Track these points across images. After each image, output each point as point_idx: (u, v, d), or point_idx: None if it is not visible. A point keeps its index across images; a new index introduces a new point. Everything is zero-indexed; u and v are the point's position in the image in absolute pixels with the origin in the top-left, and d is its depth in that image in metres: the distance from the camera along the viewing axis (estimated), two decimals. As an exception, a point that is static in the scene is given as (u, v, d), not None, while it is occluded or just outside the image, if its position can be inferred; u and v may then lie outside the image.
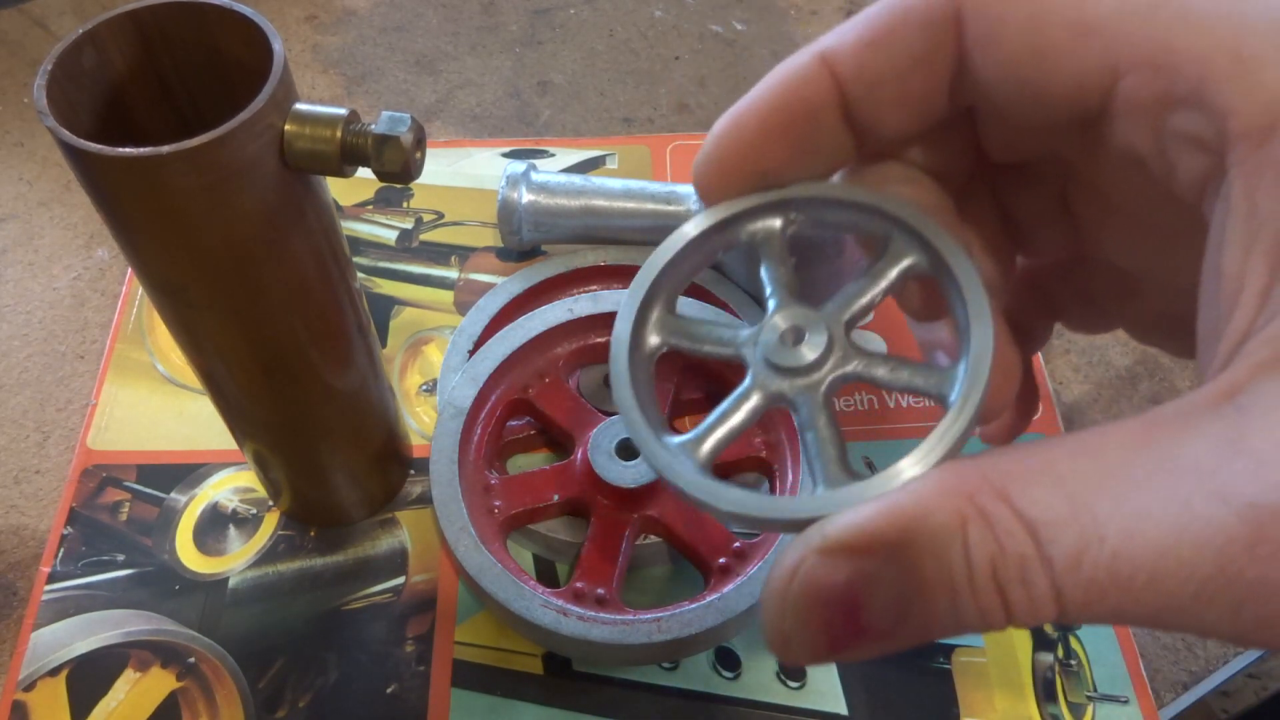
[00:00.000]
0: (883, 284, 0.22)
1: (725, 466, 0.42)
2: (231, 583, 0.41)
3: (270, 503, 0.43)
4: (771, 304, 0.22)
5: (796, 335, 0.21)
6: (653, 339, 0.23)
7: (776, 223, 0.23)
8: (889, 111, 0.21)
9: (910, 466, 0.18)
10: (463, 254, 0.51)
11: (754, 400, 0.21)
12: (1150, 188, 0.20)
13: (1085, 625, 0.16)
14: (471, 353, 0.44)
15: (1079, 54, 0.18)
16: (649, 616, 0.37)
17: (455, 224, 0.52)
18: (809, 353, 0.20)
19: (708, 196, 0.23)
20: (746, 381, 0.21)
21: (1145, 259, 0.23)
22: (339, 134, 0.28)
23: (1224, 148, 0.17)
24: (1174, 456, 0.15)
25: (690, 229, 0.23)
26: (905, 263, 0.22)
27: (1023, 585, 0.16)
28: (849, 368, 0.21)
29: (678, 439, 0.21)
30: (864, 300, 0.22)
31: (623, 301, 0.23)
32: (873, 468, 0.41)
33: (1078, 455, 0.16)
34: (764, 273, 0.22)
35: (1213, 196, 0.17)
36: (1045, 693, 0.38)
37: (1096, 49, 0.18)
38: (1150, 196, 0.21)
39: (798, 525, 0.18)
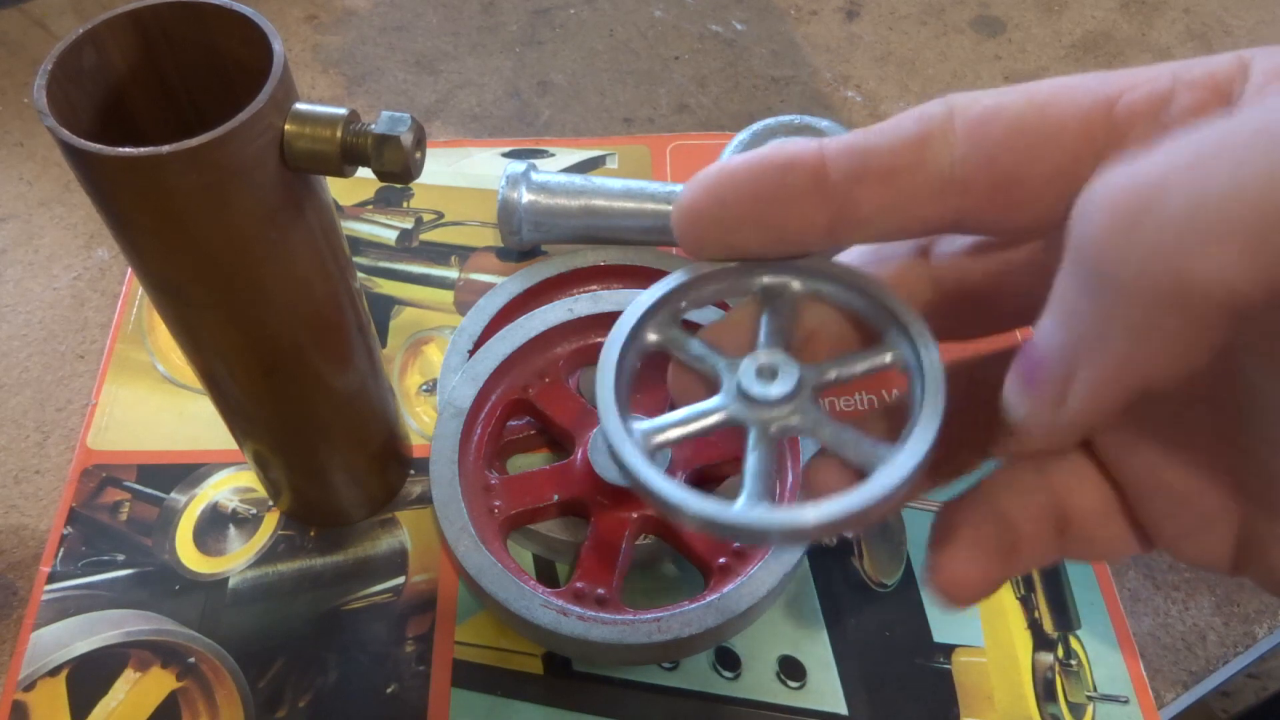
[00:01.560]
0: (866, 366, 0.24)
1: (718, 467, 0.42)
2: (231, 583, 0.41)
3: (270, 503, 0.43)
4: (760, 343, 0.24)
5: (771, 373, 0.23)
6: (651, 335, 0.25)
7: (797, 284, 0.24)
8: (869, 186, 0.22)
9: (811, 510, 0.21)
10: (463, 254, 0.51)
11: (716, 416, 0.23)
12: None
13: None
14: (471, 353, 0.44)
15: (1073, 99, 0.21)
16: (649, 616, 0.37)
17: (455, 224, 0.52)
18: (774, 391, 0.23)
19: (689, 232, 0.24)
20: (718, 399, 0.23)
21: None
22: (339, 134, 0.28)
23: (1222, 101, 0.19)
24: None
25: (697, 269, 0.25)
26: (890, 356, 0.23)
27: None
28: (795, 421, 0.23)
29: (640, 424, 0.24)
30: (845, 372, 0.24)
31: (642, 295, 0.25)
32: None
33: None
34: (766, 322, 0.24)
35: None
36: (1045, 693, 0.38)
37: (1082, 93, 0.21)
38: None
39: (717, 526, 0.21)
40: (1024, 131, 0.22)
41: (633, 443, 0.23)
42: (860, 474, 0.23)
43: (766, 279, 0.24)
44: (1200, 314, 0.16)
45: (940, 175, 0.22)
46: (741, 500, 0.22)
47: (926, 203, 0.22)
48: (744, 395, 0.23)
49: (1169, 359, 0.18)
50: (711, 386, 0.24)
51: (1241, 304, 0.16)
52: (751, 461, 0.23)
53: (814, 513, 0.21)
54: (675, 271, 0.25)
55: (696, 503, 0.22)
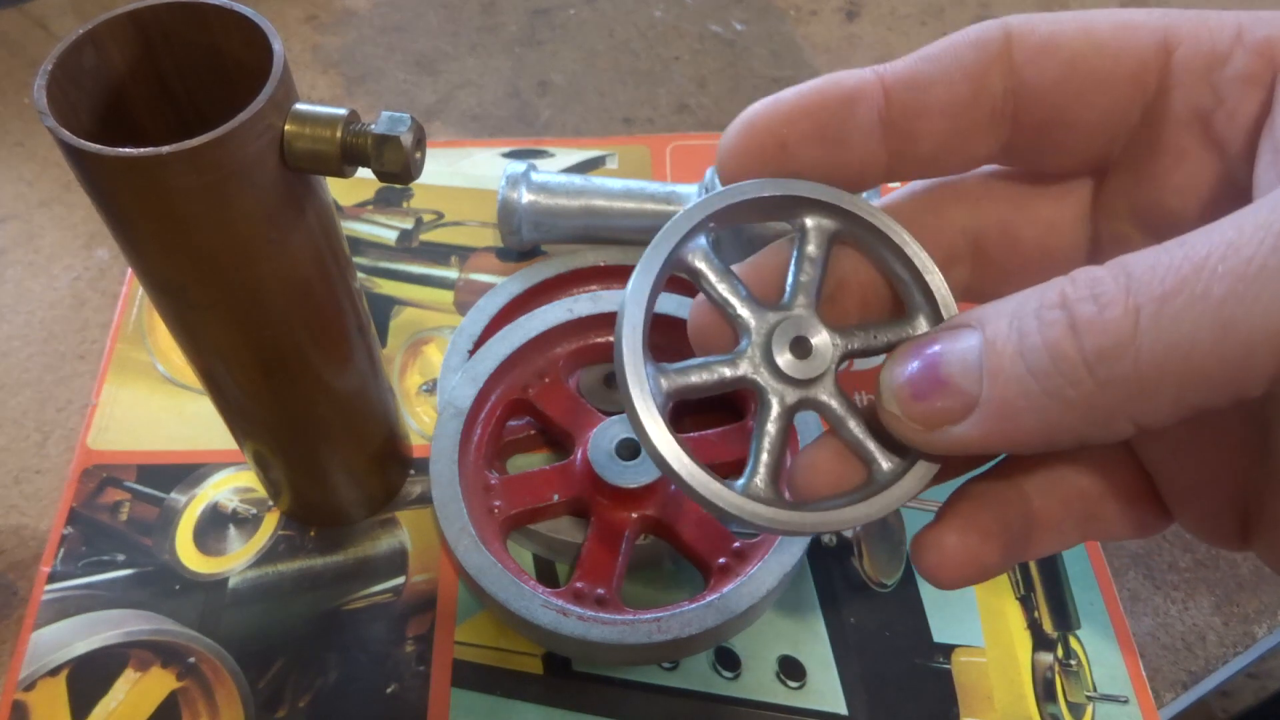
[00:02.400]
0: (891, 338, 0.23)
1: (722, 467, 0.42)
2: (231, 583, 0.41)
3: (270, 503, 0.43)
4: (789, 294, 0.23)
5: (803, 349, 0.22)
6: (690, 256, 0.23)
7: (830, 224, 0.23)
8: (931, 121, 0.21)
9: (814, 516, 0.21)
10: (463, 254, 0.51)
11: (739, 371, 0.22)
12: (1209, 173, 0.21)
13: (1153, 346, 0.17)
14: (471, 353, 0.44)
15: (1131, 43, 0.21)
16: (649, 616, 0.37)
17: (455, 224, 0.52)
18: (804, 369, 0.22)
19: (727, 163, 0.23)
20: (744, 361, 0.22)
21: None
22: (339, 134, 0.28)
23: (1274, 73, 0.19)
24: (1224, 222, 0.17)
25: (749, 188, 0.23)
26: (911, 333, 0.23)
27: (1093, 300, 0.17)
28: (821, 399, 0.22)
29: (662, 365, 0.22)
30: (873, 344, 0.23)
31: (688, 208, 0.22)
32: None
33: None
34: (795, 269, 0.23)
35: (1262, 149, 0.19)
36: (1045, 693, 0.38)
37: (1145, 35, 0.20)
38: (1209, 184, 0.21)
39: (715, 510, 0.21)
40: (1078, 72, 0.21)
41: (648, 384, 0.21)
42: (863, 465, 0.22)
43: (809, 220, 0.23)
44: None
45: (994, 108, 0.22)
46: (750, 481, 0.22)
47: (982, 136, 0.22)
48: (770, 363, 0.22)
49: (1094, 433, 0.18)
50: (731, 335, 0.23)
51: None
52: (768, 436, 0.22)
53: (815, 518, 0.21)
54: (719, 191, 0.23)
55: (700, 477, 0.21)
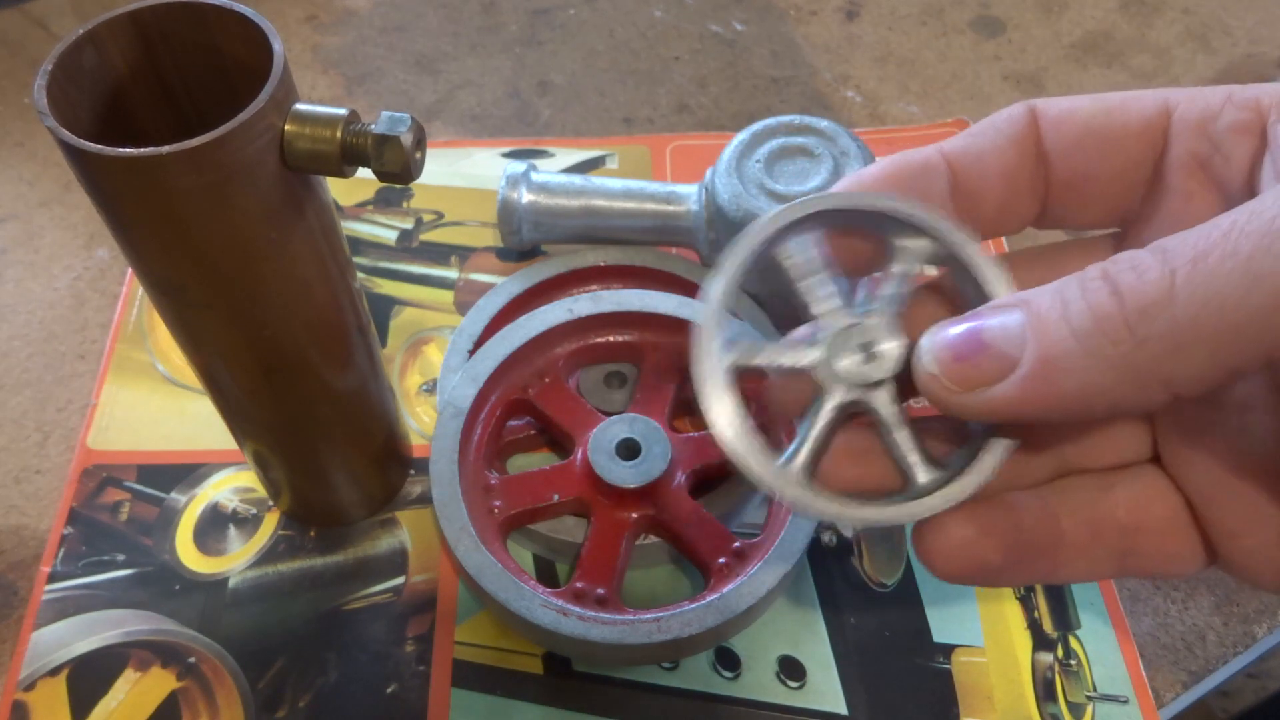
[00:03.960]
0: None
1: (722, 466, 0.42)
2: (231, 583, 0.41)
3: (270, 503, 0.43)
4: (871, 304, 0.24)
5: (872, 353, 0.23)
6: (785, 248, 0.24)
7: (924, 247, 0.24)
8: (990, 184, 0.25)
9: (857, 511, 0.22)
10: (463, 254, 0.51)
11: (806, 359, 0.23)
12: (1215, 212, 0.23)
13: (1195, 311, 0.18)
14: (471, 353, 0.44)
15: (1137, 108, 0.24)
16: (649, 616, 0.37)
17: (455, 224, 0.52)
18: (869, 372, 0.23)
19: None
20: (815, 350, 0.23)
21: None
22: (339, 134, 0.28)
23: (1263, 122, 0.21)
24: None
25: (869, 198, 0.24)
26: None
27: (1133, 270, 0.18)
28: (875, 406, 0.23)
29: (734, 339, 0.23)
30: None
31: (729, 257, 0.24)
32: None
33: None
34: (886, 285, 0.24)
35: (1263, 168, 0.22)
36: (1045, 693, 0.38)
37: (1147, 101, 0.24)
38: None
39: (766, 486, 0.22)
40: (1092, 134, 0.24)
41: (719, 353, 0.22)
42: (899, 474, 0.23)
43: (904, 241, 0.24)
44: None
45: (1033, 171, 0.25)
46: (788, 465, 0.23)
47: (1027, 197, 0.25)
48: (836, 360, 0.23)
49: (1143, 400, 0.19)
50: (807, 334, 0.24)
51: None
52: (816, 428, 0.23)
53: (859, 513, 0.22)
54: (815, 196, 0.24)
55: (754, 455, 0.22)
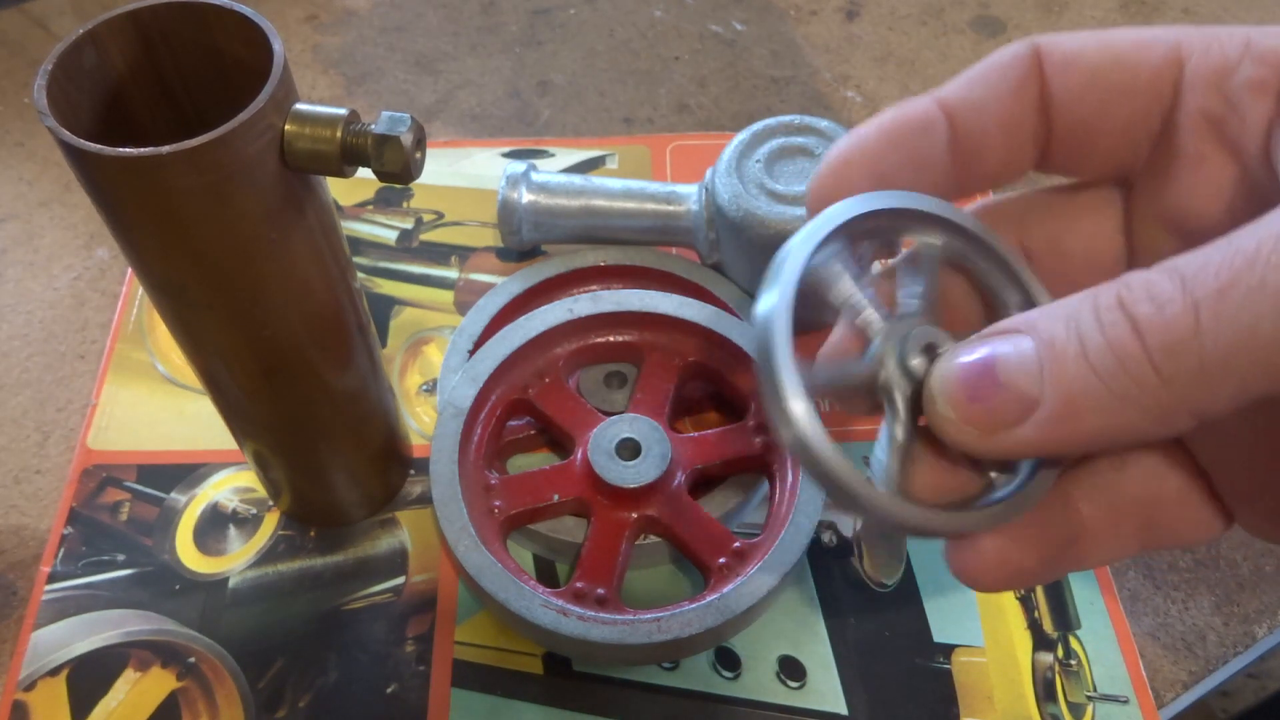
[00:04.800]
0: None
1: (722, 466, 0.42)
2: (231, 583, 0.41)
3: (270, 503, 0.43)
4: (905, 305, 0.24)
5: (932, 350, 0.22)
6: (826, 260, 0.24)
7: (938, 240, 0.24)
8: (991, 137, 0.23)
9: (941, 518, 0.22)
10: (463, 254, 0.51)
11: (870, 372, 0.23)
12: (1228, 176, 0.22)
13: (1220, 348, 0.17)
14: (471, 353, 0.44)
15: (1147, 55, 0.22)
16: (649, 616, 0.37)
17: (455, 224, 0.52)
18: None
19: (821, 196, 0.24)
20: (870, 358, 0.23)
21: None
22: (339, 134, 0.28)
23: None
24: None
25: (888, 198, 0.23)
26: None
27: (1151, 301, 0.17)
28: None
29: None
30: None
31: (823, 216, 0.23)
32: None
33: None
34: (914, 284, 0.24)
35: (1277, 138, 0.20)
36: (1045, 693, 0.38)
37: (1160, 49, 0.22)
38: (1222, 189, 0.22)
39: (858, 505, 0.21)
40: (1099, 83, 0.23)
41: (799, 380, 0.21)
42: (978, 475, 0.23)
43: (930, 237, 0.24)
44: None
45: (1035, 120, 0.23)
46: (881, 479, 0.22)
47: (1029, 148, 0.24)
48: (904, 367, 0.22)
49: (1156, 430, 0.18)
50: (858, 342, 0.23)
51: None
52: (897, 439, 0.22)
53: (944, 520, 0.21)
54: (841, 203, 0.23)
55: (851, 475, 0.21)
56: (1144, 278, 0.18)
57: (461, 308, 0.49)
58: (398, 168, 0.28)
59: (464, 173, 0.54)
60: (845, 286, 0.23)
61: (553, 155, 0.55)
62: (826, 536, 0.42)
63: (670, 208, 0.47)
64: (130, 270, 0.50)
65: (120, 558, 0.41)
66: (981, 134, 0.23)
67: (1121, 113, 0.23)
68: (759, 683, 0.38)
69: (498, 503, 0.40)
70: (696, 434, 0.42)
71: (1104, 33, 0.23)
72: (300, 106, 0.28)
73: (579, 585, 0.38)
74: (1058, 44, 0.23)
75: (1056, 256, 0.25)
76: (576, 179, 0.48)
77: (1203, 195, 0.22)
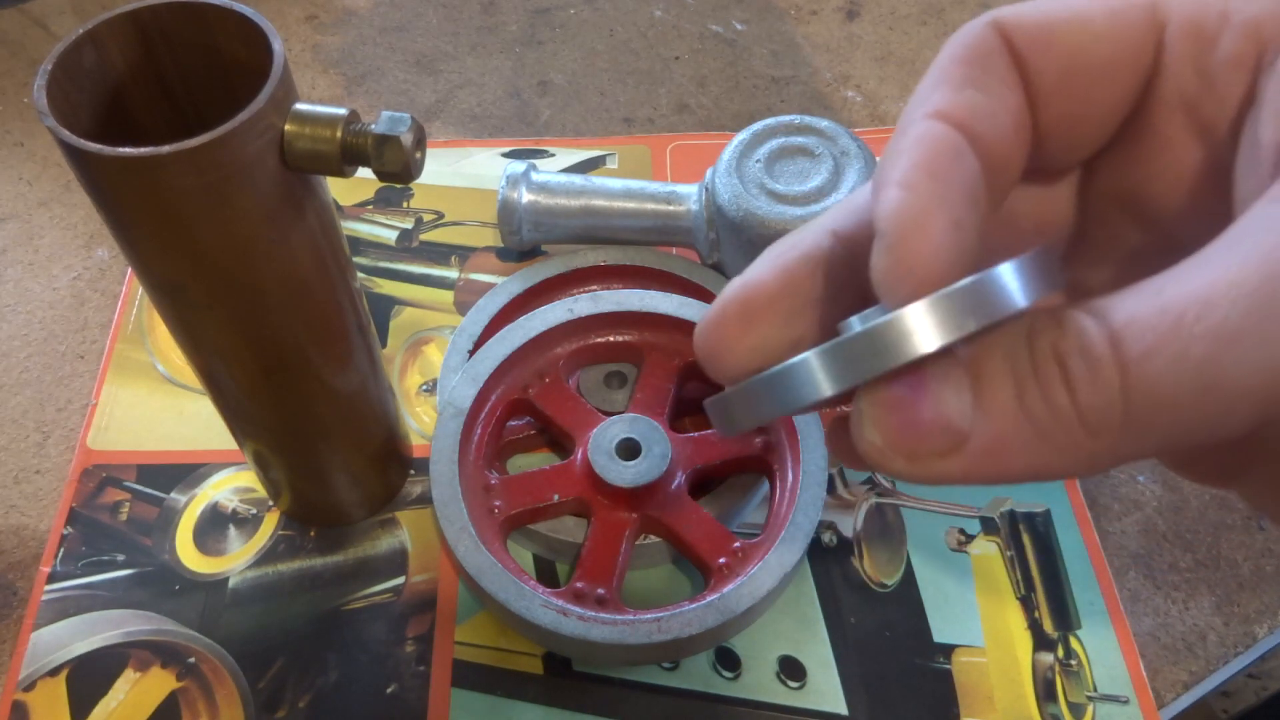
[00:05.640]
0: None
1: (722, 466, 0.42)
2: (231, 583, 0.41)
3: (270, 503, 0.43)
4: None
5: None
6: None
7: None
8: (1011, 149, 0.21)
9: None
10: (463, 254, 0.51)
11: None
12: (1194, 161, 0.21)
13: (1140, 417, 0.17)
14: (471, 353, 0.44)
15: (1124, 26, 0.21)
16: (649, 616, 0.37)
17: (455, 224, 0.52)
18: None
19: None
20: None
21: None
22: (339, 134, 0.28)
23: (1260, 58, 0.19)
24: (1225, 242, 0.17)
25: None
26: None
27: (1083, 359, 0.17)
28: None
29: None
30: None
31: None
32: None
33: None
34: None
35: (1254, 112, 0.19)
36: (1045, 693, 0.38)
37: (1135, 14, 0.21)
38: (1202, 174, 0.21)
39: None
40: (1079, 67, 0.21)
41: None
42: None
43: None
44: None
45: (1030, 118, 0.21)
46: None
47: (1026, 151, 0.21)
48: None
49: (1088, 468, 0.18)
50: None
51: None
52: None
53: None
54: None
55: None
56: (1078, 327, 0.18)
57: (461, 308, 0.49)
58: (398, 167, 0.28)
59: (464, 173, 0.54)
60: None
61: (553, 155, 0.55)
62: (826, 536, 0.42)
63: (670, 208, 0.47)
64: (130, 270, 0.50)
65: (120, 558, 0.41)
66: (1004, 148, 0.20)
67: (1107, 97, 0.21)
68: (759, 683, 0.38)
69: (498, 503, 0.40)
70: (696, 434, 0.42)
71: (1067, 1, 0.21)
72: (300, 106, 0.28)
73: (579, 585, 0.38)
74: (1021, 19, 0.20)
75: (1004, 223, 0.24)
76: (576, 179, 0.48)
77: (1166, 180, 0.22)
